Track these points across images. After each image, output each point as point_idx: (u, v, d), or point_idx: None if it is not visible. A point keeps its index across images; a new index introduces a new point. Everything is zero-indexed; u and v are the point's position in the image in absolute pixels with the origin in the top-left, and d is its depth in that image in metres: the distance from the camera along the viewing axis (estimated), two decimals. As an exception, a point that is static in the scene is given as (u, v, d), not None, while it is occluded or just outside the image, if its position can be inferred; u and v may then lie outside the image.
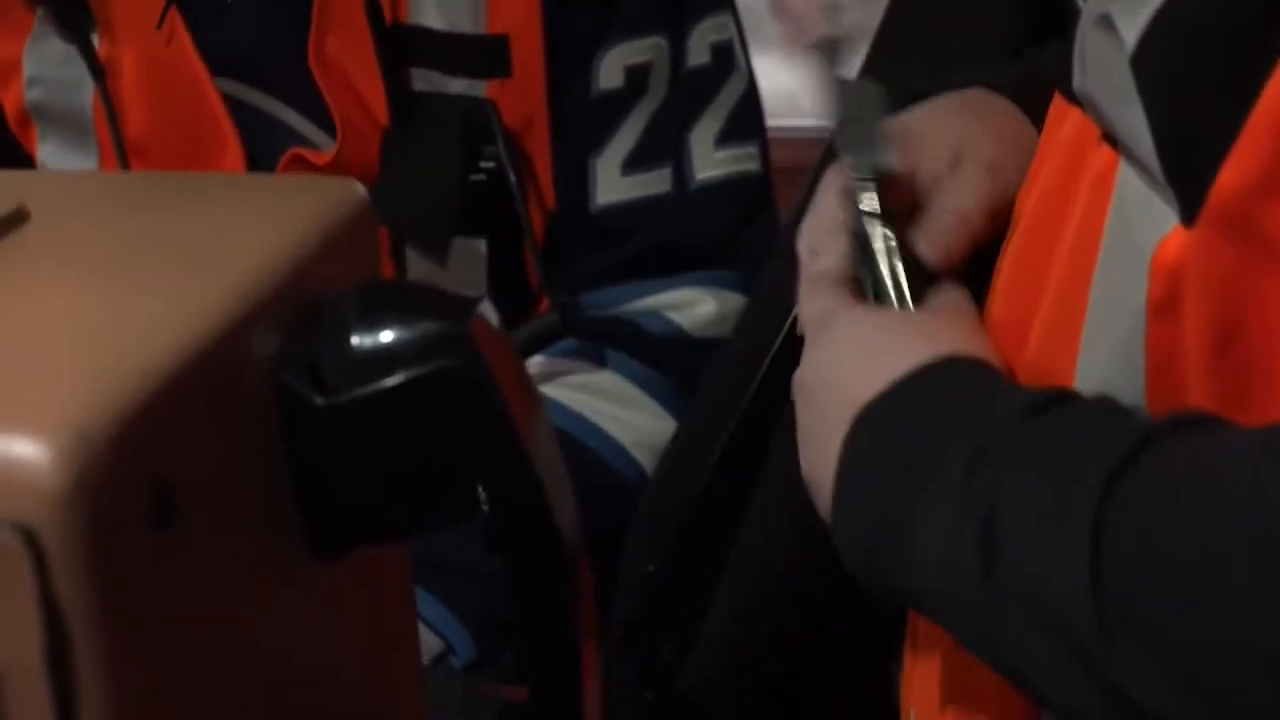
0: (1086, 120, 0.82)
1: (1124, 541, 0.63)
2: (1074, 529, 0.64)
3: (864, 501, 0.75)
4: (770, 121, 1.46)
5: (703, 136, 1.40)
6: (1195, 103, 0.74)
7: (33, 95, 1.49)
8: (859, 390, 0.77)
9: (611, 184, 1.39)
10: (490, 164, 1.36)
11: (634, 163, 1.39)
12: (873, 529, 0.74)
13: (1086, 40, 0.81)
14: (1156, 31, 0.76)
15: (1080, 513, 0.64)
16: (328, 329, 0.61)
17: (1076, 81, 0.82)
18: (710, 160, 1.40)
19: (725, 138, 1.40)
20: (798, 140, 1.31)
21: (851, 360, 0.81)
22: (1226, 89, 0.73)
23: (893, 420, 0.76)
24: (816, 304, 0.88)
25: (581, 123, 1.38)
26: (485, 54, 1.36)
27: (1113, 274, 0.78)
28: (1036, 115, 0.95)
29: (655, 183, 1.39)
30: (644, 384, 1.39)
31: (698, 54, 1.39)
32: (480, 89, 1.36)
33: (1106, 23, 0.78)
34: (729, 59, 1.40)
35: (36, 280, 0.61)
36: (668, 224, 1.39)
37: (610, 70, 1.37)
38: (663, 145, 1.39)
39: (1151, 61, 0.76)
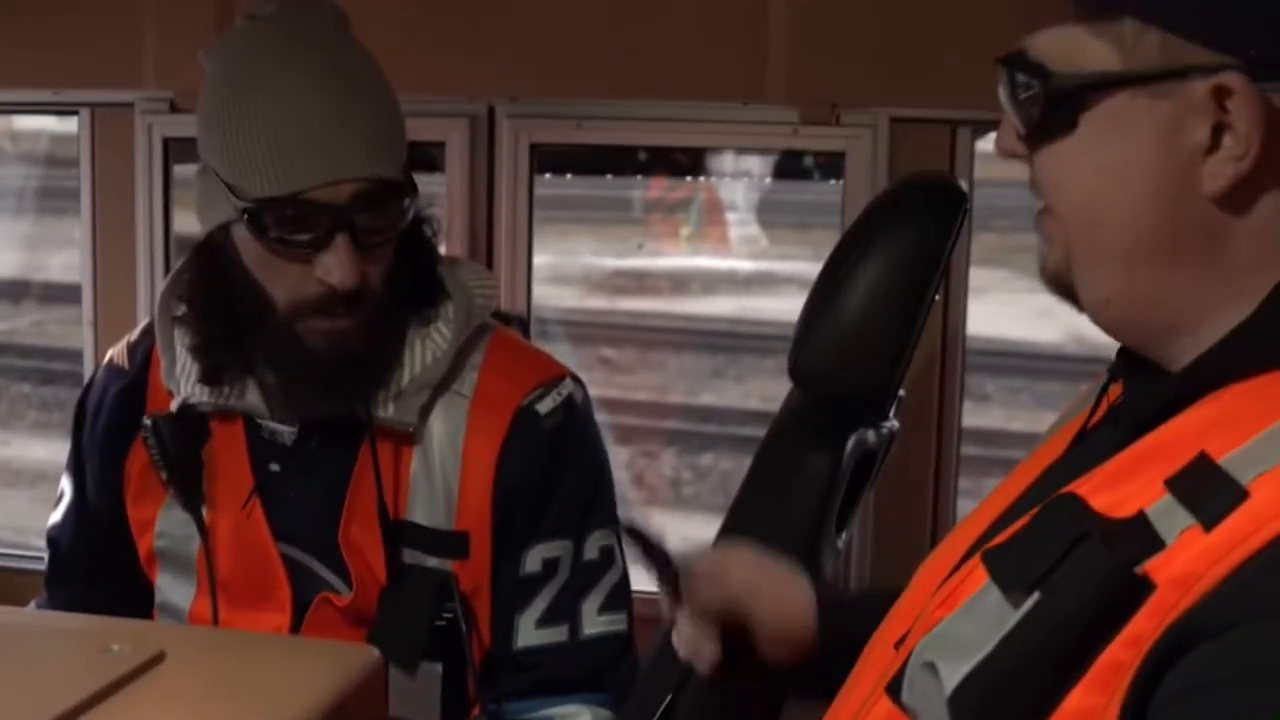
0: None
1: None
2: None
3: None
4: (635, 587, 1.89)
5: (590, 607, 1.85)
6: None
7: (159, 544, 1.88)
8: None
9: (528, 634, 1.84)
10: (449, 615, 1.79)
11: (544, 621, 1.84)
12: None
13: (914, 675, 1.02)
14: (969, 682, 0.96)
15: None
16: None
17: (905, 695, 1.04)
18: (595, 622, 1.85)
19: (605, 608, 1.86)
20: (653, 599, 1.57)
21: None
22: None
23: None
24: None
25: (512, 592, 1.84)
26: (452, 543, 1.82)
27: None
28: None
29: (557, 634, 1.84)
30: None
31: (591, 552, 1.86)
32: (448, 565, 1.81)
33: (930, 668, 0.99)
34: (611, 557, 1.87)
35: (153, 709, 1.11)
36: (564, 662, 1.84)
37: (533, 559, 1.83)
38: (564, 611, 1.84)
39: (962, 703, 0.97)
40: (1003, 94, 1.10)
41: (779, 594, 1.42)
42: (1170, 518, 0.93)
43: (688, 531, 6.44)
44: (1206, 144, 1.01)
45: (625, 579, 1.90)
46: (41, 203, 9.63)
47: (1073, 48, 1.06)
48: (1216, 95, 1.00)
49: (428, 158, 2.64)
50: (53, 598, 1.97)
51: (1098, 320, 1.10)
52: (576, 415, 1.87)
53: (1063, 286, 1.11)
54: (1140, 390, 1.09)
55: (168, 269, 2.63)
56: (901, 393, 2.08)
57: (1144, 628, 0.90)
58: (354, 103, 1.69)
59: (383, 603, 1.80)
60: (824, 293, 1.97)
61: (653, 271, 10.53)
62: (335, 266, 1.68)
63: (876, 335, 1.95)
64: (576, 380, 1.89)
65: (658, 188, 11.00)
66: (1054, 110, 1.06)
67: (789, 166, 9.97)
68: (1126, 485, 0.97)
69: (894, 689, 1.07)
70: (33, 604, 1.99)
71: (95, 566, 1.94)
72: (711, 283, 10.31)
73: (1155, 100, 1.02)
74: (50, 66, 2.74)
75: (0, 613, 1.33)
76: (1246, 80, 0.99)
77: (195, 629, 1.39)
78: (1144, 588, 0.91)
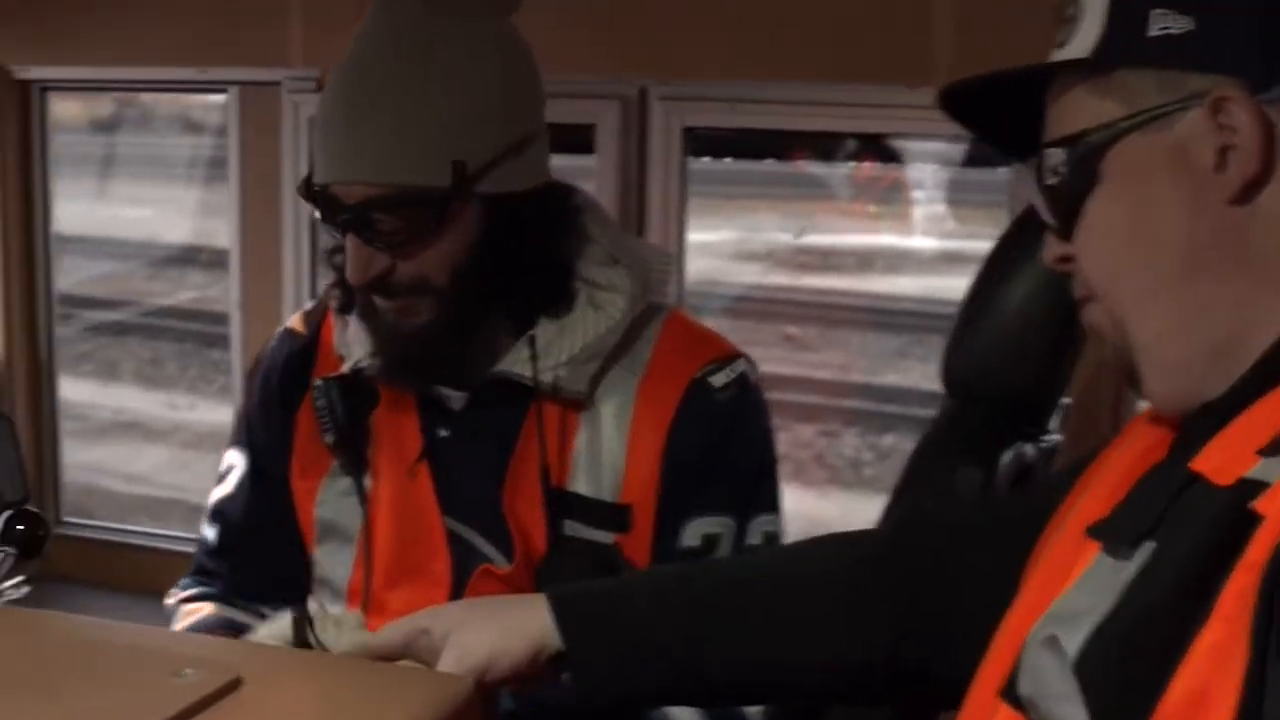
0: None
1: None
2: None
3: None
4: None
5: None
6: (1124, 694, 0.96)
7: (321, 514, 1.86)
8: None
9: None
10: None
11: None
12: None
13: (1031, 660, 1.03)
14: (1093, 643, 0.99)
15: None
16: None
17: (1022, 686, 1.05)
18: None
19: None
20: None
21: None
22: (1147, 682, 0.95)
23: None
24: None
25: (669, 564, 1.75)
26: (615, 515, 1.77)
27: None
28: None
29: None
30: None
31: (754, 536, 1.78)
32: (609, 538, 1.77)
33: (1052, 643, 1.00)
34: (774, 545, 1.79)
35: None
36: None
37: (692, 533, 1.77)
38: None
39: (1089, 667, 0.98)
40: (1033, 193, 1.16)
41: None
42: (1270, 470, 0.97)
43: (868, 512, 6.37)
44: (1215, 159, 1.05)
45: None
46: (211, 171, 9.89)
47: (1080, 114, 1.11)
48: (1214, 110, 1.05)
49: (577, 139, 2.59)
50: (208, 573, 1.97)
51: (1157, 391, 1.13)
52: (750, 394, 1.81)
53: (1133, 378, 1.14)
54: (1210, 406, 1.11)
55: (312, 242, 2.64)
56: (1067, 400, 1.97)
57: (1257, 555, 0.93)
58: (391, 102, 1.67)
59: (541, 575, 1.76)
60: (981, 294, 1.88)
61: (837, 249, 10.50)
62: (346, 261, 1.70)
63: (1035, 338, 1.85)
64: (750, 362, 1.85)
65: (844, 167, 10.95)
66: (1076, 175, 1.11)
67: (979, 148, 9.81)
68: (1221, 458, 1.01)
69: (1009, 690, 1.08)
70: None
71: (258, 541, 1.93)
72: (897, 261, 10.26)
73: (1161, 134, 1.07)
74: (198, 45, 2.76)
75: (70, 629, 1.26)
76: (1243, 91, 1.04)
77: (273, 650, 1.31)
78: (1254, 520, 0.95)
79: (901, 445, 6.95)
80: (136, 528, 3.25)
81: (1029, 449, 1.90)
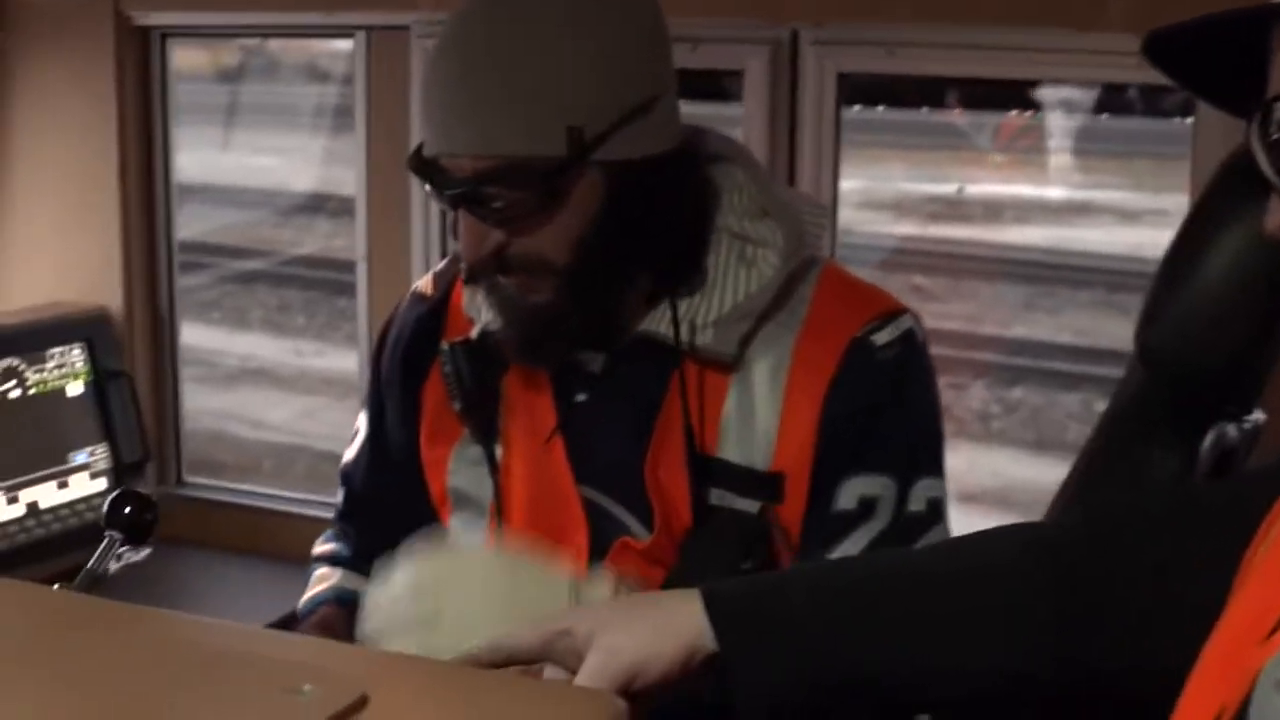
0: None
1: None
2: None
3: None
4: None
5: None
6: None
7: (452, 483, 1.81)
8: None
9: None
10: (756, 560, 1.66)
11: None
12: None
13: (1266, 699, 0.94)
14: None
15: None
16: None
17: None
18: None
19: None
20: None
21: None
22: None
23: None
24: None
25: (821, 530, 1.67)
26: (766, 484, 1.68)
27: None
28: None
29: None
30: None
31: (916, 502, 1.68)
32: (756, 507, 1.68)
33: None
34: (938, 513, 1.69)
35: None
36: None
37: (848, 494, 1.67)
38: None
39: None
40: (1258, 152, 1.03)
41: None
42: None
43: (995, 466, 6.40)
44: None
45: None
46: (337, 120, 10.00)
47: None
48: None
49: (719, 87, 2.48)
50: (343, 534, 1.98)
51: None
52: (916, 351, 1.72)
53: None
54: None
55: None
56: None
57: None
58: (497, 64, 1.59)
59: (685, 545, 1.70)
60: (1180, 260, 1.72)
61: (966, 199, 10.47)
62: (459, 236, 1.65)
63: (1242, 306, 1.69)
64: (916, 318, 1.75)
65: (975, 115, 10.88)
66: None
67: (1112, 96, 9.72)
68: None
69: None
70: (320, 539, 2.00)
71: (386, 506, 1.91)
72: (1026, 212, 10.21)
73: None
74: (326, -12, 2.67)
75: (182, 631, 1.14)
76: None
77: (404, 660, 1.18)
78: None
79: (1030, 399, 6.93)
80: (258, 489, 3.18)
81: (1231, 429, 1.74)
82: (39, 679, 1.02)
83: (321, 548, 1.98)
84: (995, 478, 6.27)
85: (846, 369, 1.67)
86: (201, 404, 7.03)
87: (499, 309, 1.70)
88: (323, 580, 1.94)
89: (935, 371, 1.76)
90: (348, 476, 1.98)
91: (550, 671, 1.36)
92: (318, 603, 1.92)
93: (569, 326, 1.68)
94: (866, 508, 1.67)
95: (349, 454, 1.97)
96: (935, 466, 1.71)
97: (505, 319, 1.70)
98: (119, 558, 1.59)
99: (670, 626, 1.28)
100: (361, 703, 0.98)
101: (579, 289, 1.65)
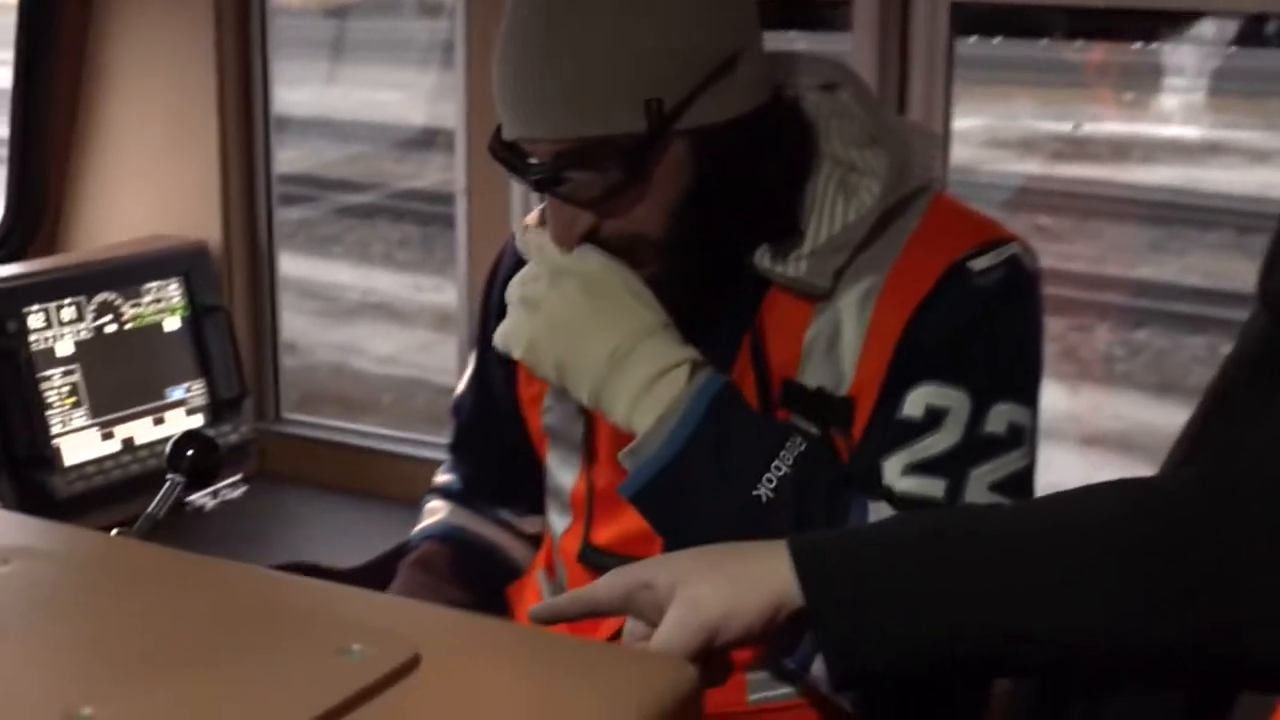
0: None
1: None
2: None
3: None
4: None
5: (981, 477, 1.58)
6: None
7: (547, 420, 1.83)
8: None
9: (893, 476, 1.59)
10: None
11: (917, 469, 1.59)
12: None
13: None
14: None
15: None
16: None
17: None
18: (984, 496, 1.58)
19: (1000, 488, 1.58)
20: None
21: None
22: None
23: None
24: None
25: (882, 436, 1.61)
26: (837, 408, 1.63)
27: None
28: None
29: (931, 486, 1.58)
30: None
31: (995, 424, 1.59)
32: (816, 430, 1.63)
33: None
34: (1020, 438, 1.60)
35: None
36: None
37: (915, 401, 1.59)
38: (944, 467, 1.58)
39: None
40: None
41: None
42: None
43: (1119, 409, 6.32)
44: None
45: (1032, 473, 1.64)
46: (449, 56, 9.97)
47: None
48: None
49: (823, 17, 2.39)
50: (454, 465, 2.02)
51: None
52: (1020, 278, 1.64)
53: None
54: None
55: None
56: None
57: None
58: (566, 39, 1.52)
59: None
60: None
61: (1092, 138, 10.31)
62: (549, 220, 1.62)
63: None
64: (1027, 248, 1.67)
65: (1099, 50, 10.67)
66: None
67: (1247, 30, 9.47)
68: None
69: None
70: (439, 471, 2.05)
71: (485, 444, 1.96)
72: (1153, 151, 10.02)
73: None
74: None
75: (240, 584, 1.08)
76: None
77: (460, 618, 1.12)
78: None
79: (1155, 341, 6.78)
80: (356, 426, 3.15)
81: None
82: (78, 632, 0.97)
83: (439, 478, 2.02)
84: (1117, 420, 6.17)
85: (939, 292, 1.61)
86: (324, 338, 7.06)
87: None
88: (433, 514, 1.97)
89: (1042, 304, 1.68)
90: (457, 409, 2.00)
91: (631, 625, 1.32)
92: (424, 537, 1.94)
93: (676, 294, 1.62)
94: (933, 418, 1.59)
95: (460, 387, 1.99)
96: (1023, 394, 1.63)
97: None
98: (183, 502, 1.56)
99: (754, 579, 1.24)
100: (413, 663, 0.92)
101: (683, 261, 1.61)
